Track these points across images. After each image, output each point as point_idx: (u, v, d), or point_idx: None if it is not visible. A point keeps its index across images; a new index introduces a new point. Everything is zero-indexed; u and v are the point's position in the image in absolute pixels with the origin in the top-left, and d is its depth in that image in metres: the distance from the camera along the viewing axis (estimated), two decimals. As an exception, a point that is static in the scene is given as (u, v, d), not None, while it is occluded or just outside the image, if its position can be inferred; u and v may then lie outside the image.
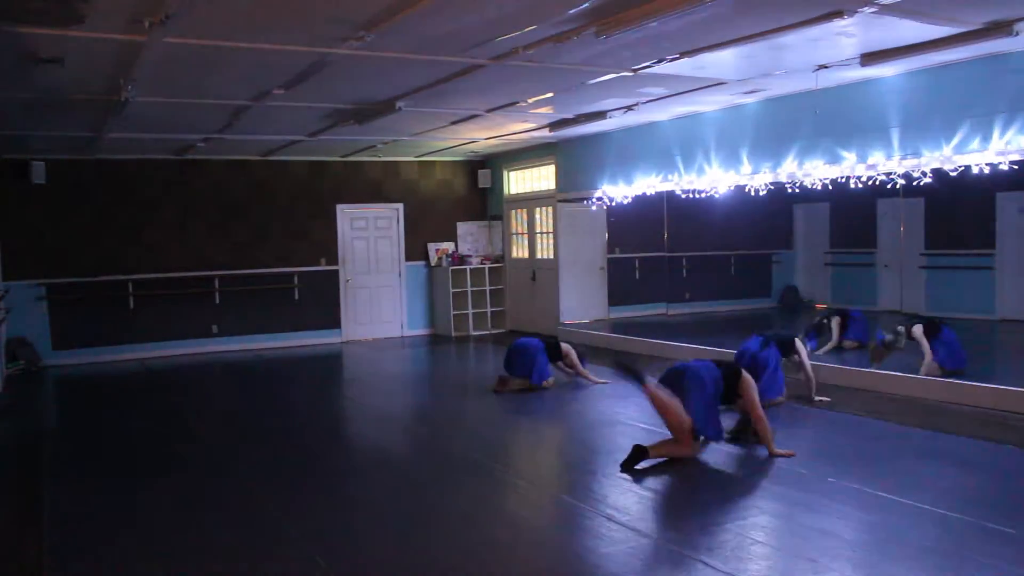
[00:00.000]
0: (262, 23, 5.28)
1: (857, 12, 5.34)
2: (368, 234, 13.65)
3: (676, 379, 5.89)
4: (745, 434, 6.11)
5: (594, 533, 4.58)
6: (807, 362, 7.42)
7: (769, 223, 12.36)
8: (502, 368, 8.87)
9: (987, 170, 6.96)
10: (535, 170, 13.42)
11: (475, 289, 13.79)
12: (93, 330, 11.74)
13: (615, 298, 12.73)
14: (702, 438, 5.86)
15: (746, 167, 9.16)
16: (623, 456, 5.65)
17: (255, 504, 5.28)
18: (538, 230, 13.32)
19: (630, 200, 11.07)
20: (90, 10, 4.82)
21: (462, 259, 13.86)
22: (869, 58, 6.76)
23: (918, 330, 7.93)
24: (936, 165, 7.28)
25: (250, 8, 4.97)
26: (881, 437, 6.35)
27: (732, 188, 9.37)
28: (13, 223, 11.21)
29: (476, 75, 6.89)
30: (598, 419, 7.04)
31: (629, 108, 9.11)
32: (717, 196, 9.64)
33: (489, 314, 13.92)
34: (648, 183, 10.63)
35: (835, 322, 9.51)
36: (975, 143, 6.99)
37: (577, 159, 12.12)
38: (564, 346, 8.89)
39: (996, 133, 6.83)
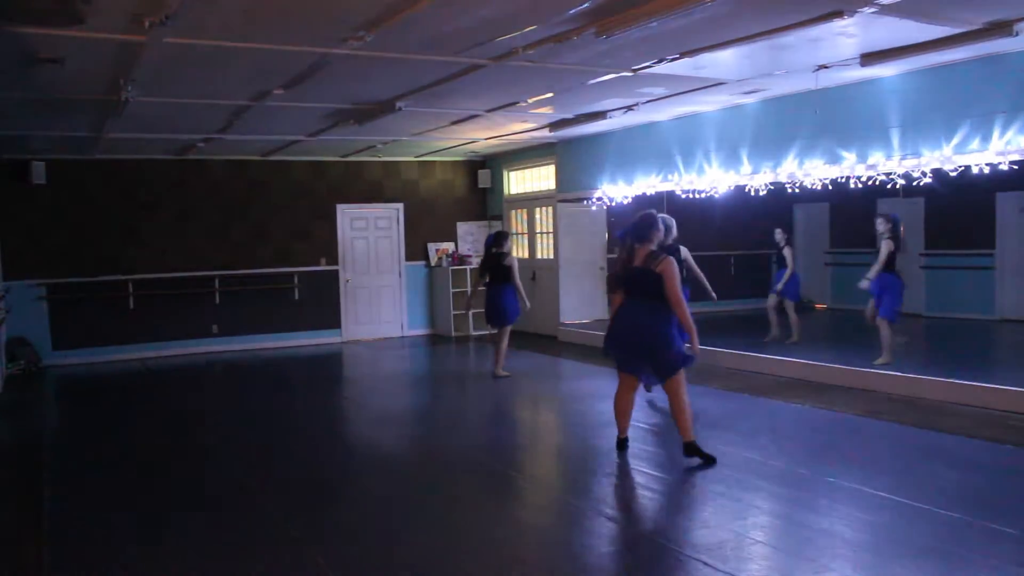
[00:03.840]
0: (262, 23, 5.28)
1: (857, 12, 5.33)
2: (368, 234, 13.64)
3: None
4: None
5: (594, 533, 4.58)
6: None
7: (769, 223, 12.35)
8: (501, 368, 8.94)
9: (987, 170, 6.95)
10: (535, 170, 13.41)
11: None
12: (93, 330, 11.74)
13: (615, 298, 12.71)
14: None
15: (746, 167, 9.15)
16: (622, 456, 5.64)
17: (255, 504, 5.28)
18: (538, 230, 13.32)
19: (630, 200, 11.06)
20: (90, 10, 4.81)
21: (462, 259, 13.85)
22: (869, 58, 6.75)
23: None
24: (936, 165, 7.27)
25: (250, 8, 4.97)
26: (881, 437, 6.35)
27: (732, 188, 9.36)
28: (13, 223, 11.21)
29: (476, 75, 6.89)
30: (598, 419, 7.02)
31: (629, 108, 9.10)
32: (717, 196, 9.64)
33: (489, 314, 13.88)
34: (648, 183, 10.62)
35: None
36: (975, 143, 6.98)
37: (577, 159, 12.11)
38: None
39: (996, 133, 6.82)
